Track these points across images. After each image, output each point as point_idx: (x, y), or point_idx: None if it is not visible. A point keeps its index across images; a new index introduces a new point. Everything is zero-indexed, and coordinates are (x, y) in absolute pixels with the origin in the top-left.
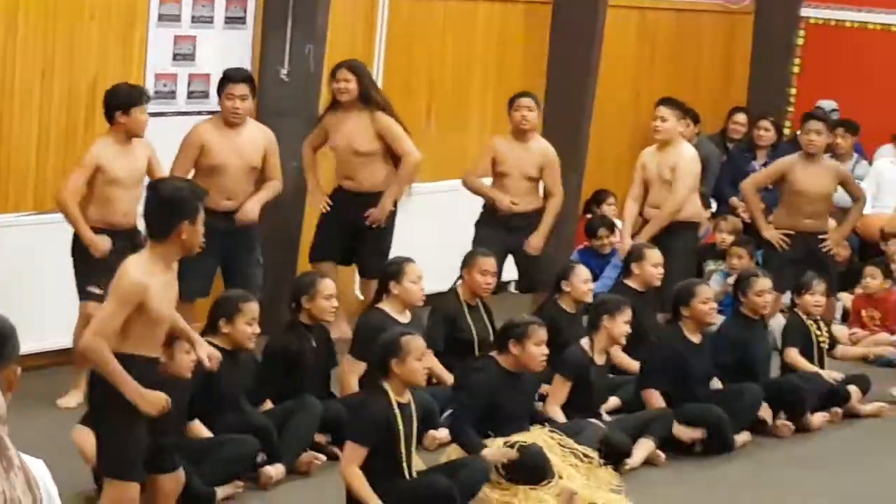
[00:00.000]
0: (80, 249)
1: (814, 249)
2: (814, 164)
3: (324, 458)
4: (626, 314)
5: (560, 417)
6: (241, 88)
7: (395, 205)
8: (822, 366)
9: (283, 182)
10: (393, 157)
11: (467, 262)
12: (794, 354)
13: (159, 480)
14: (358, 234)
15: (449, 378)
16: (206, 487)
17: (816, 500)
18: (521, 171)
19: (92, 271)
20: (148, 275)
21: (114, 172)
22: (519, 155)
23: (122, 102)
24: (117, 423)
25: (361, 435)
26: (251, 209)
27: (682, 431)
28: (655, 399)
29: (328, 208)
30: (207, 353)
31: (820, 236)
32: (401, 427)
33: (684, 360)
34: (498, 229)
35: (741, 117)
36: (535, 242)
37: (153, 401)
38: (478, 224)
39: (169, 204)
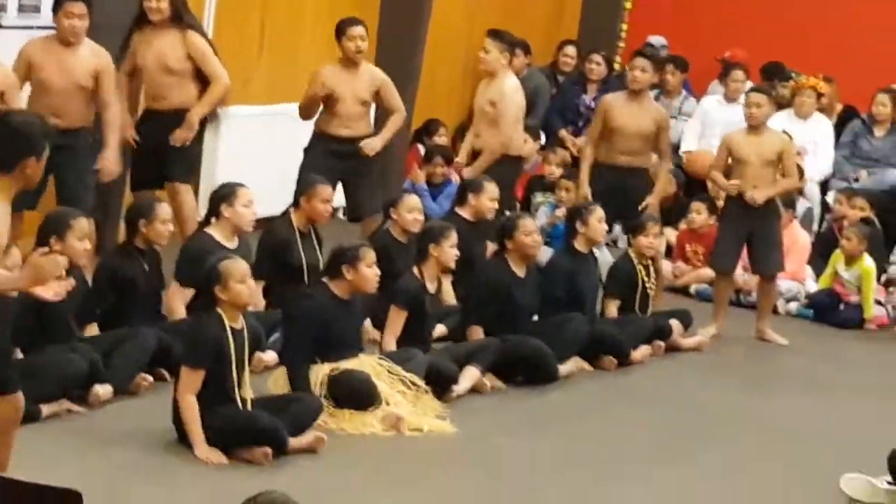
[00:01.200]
0: None
1: (626, 184)
2: (636, 103)
3: (151, 378)
4: (452, 239)
5: (393, 348)
6: (80, 7)
7: (202, 126)
8: (644, 310)
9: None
10: (203, 79)
11: (306, 189)
12: (611, 307)
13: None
14: (165, 155)
15: (262, 304)
16: (30, 405)
17: (640, 429)
18: (355, 95)
19: None
20: None
21: None
22: (349, 80)
23: None
24: None
25: (195, 358)
26: (111, 160)
27: (490, 381)
28: (478, 336)
29: (135, 141)
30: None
31: (636, 171)
32: (233, 352)
33: (509, 292)
34: (328, 156)
35: (571, 50)
36: (374, 142)
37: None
38: (307, 150)
39: (18, 137)
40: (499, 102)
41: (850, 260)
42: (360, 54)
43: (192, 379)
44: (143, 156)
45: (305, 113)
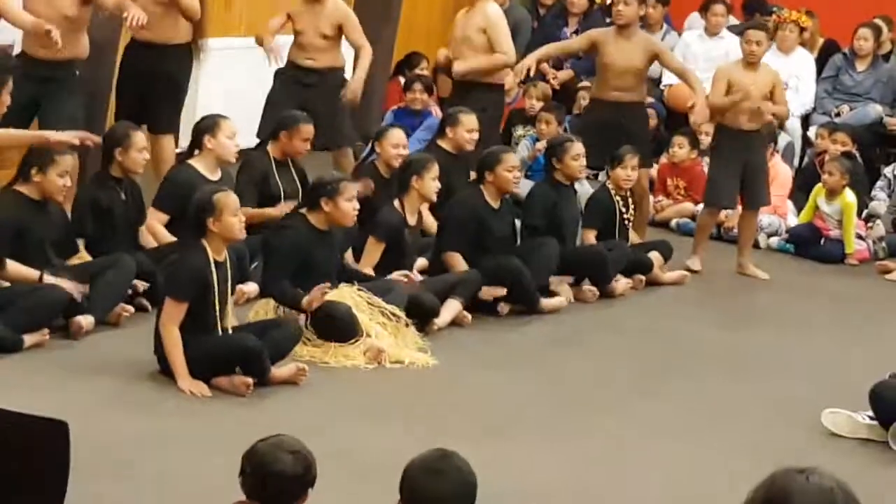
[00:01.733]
0: None
1: (620, 120)
2: (624, 38)
3: (132, 309)
4: (434, 171)
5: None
6: None
7: (189, 65)
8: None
9: (91, 33)
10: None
11: (289, 126)
12: (589, 237)
13: None
14: (150, 88)
15: (274, 212)
16: (13, 334)
17: (620, 362)
18: (316, 28)
19: None
20: None
21: None
22: (312, 13)
23: None
24: None
25: (179, 290)
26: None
27: (485, 291)
28: (456, 261)
29: (120, 72)
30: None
31: (630, 106)
32: (216, 286)
33: (482, 222)
34: (291, 84)
35: None
36: (353, 86)
37: None
38: (275, 75)
39: None
40: (490, 28)
41: (832, 194)
42: None
43: (175, 311)
44: (127, 89)
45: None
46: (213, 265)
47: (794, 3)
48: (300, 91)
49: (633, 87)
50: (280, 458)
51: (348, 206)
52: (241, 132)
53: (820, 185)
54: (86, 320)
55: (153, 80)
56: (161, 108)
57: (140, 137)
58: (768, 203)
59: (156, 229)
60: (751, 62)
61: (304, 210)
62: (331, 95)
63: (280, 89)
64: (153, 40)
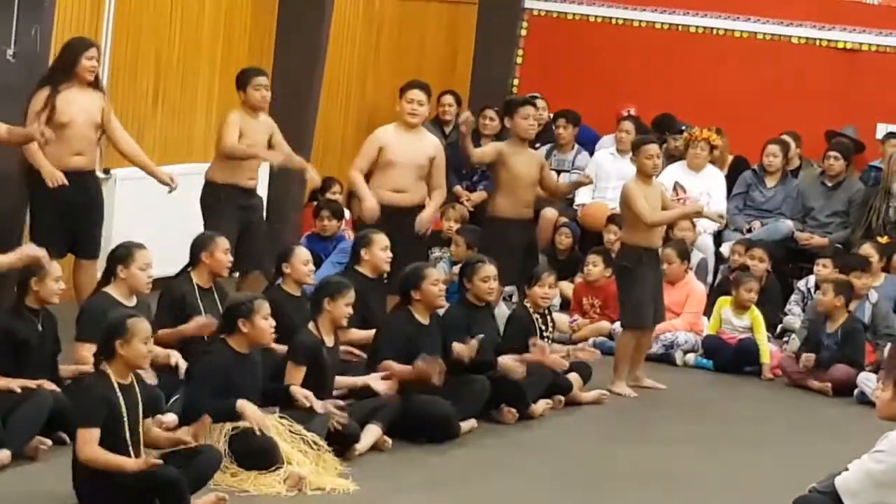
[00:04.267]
0: None
1: (531, 237)
2: (525, 149)
3: (49, 442)
4: (348, 296)
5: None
6: None
7: (100, 189)
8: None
9: (6, 161)
10: None
11: (206, 245)
12: (506, 361)
13: None
14: (84, 215)
15: (190, 327)
16: None
17: (540, 483)
18: (261, 143)
19: None
20: None
21: None
22: (258, 124)
23: None
24: None
25: (89, 417)
26: None
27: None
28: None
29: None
30: None
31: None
32: (124, 409)
33: (414, 343)
34: (234, 208)
35: (448, 98)
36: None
37: None
38: (210, 203)
39: None
40: (438, 156)
41: (741, 309)
42: (266, 104)
43: (90, 436)
44: (56, 218)
45: (231, 155)
46: (117, 388)
47: (702, 121)
48: (240, 213)
49: (533, 200)
50: None
51: (265, 324)
52: (158, 261)
53: (723, 298)
54: (2, 454)
55: (90, 208)
56: (93, 233)
57: (56, 267)
58: (664, 319)
59: (87, 361)
60: (652, 175)
61: (223, 335)
62: (261, 216)
63: (222, 217)
64: (85, 168)
